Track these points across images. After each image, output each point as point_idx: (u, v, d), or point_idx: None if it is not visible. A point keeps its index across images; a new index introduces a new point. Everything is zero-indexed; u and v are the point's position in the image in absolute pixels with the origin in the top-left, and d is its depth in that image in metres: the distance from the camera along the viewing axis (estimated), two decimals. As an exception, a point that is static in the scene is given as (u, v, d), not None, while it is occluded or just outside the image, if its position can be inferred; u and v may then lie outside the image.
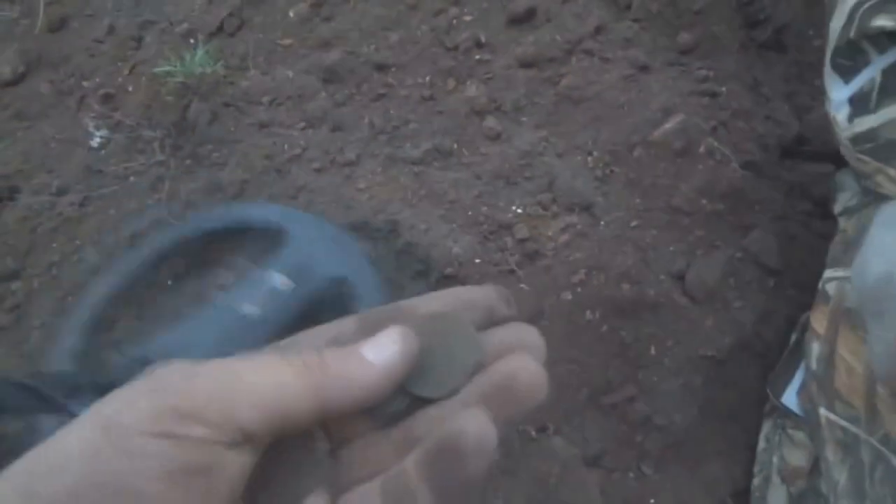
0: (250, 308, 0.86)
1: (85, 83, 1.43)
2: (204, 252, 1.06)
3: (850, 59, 0.86)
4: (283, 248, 0.95)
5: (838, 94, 0.87)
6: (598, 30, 1.28)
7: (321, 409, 0.29)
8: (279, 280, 0.89)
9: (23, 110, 1.40)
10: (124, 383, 0.70)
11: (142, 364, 0.79)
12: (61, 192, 1.20)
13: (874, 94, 0.83)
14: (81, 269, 1.08)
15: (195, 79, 1.32)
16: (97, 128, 1.32)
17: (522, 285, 0.96)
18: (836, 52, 0.85)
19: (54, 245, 1.11)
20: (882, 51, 0.83)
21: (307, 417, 0.29)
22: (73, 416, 0.62)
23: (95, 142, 1.30)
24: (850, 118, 0.85)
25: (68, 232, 1.13)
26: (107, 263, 1.06)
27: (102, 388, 0.72)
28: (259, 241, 1.01)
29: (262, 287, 0.89)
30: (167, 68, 1.33)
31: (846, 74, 0.87)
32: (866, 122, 0.84)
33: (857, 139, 0.85)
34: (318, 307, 0.91)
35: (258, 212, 1.03)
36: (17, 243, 1.12)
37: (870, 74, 0.84)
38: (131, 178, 1.21)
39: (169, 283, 1.06)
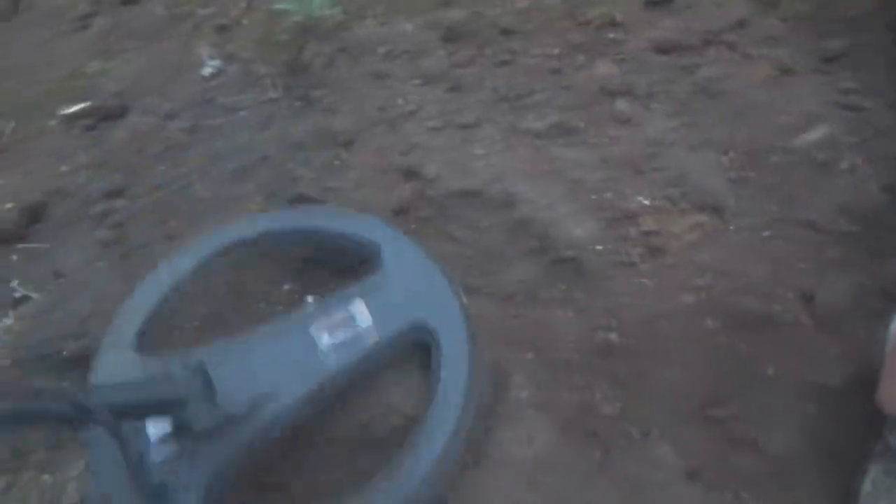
0: (325, 339, 0.78)
1: (200, 11, 1.41)
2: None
3: None
4: (372, 274, 0.85)
5: None
6: (741, 23, 1.21)
7: None
8: (361, 313, 0.80)
9: (137, 31, 1.39)
10: (180, 398, 0.66)
11: (199, 374, 0.72)
12: (170, 116, 1.18)
13: None
14: (185, 196, 1.06)
15: (313, 21, 1.29)
16: (210, 57, 1.30)
17: (644, 280, 0.91)
18: None
19: (160, 168, 1.09)
20: None
21: None
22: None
23: (207, 71, 1.28)
24: None
25: (175, 157, 1.11)
26: (179, 246, 0.98)
27: (156, 407, 0.69)
28: (349, 255, 0.92)
29: (341, 319, 0.80)
30: (286, 6, 1.30)
31: None
32: None
33: None
34: (395, 350, 0.82)
35: (354, 223, 0.92)
36: (124, 162, 1.10)
37: None
38: (241, 112, 1.18)
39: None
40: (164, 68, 1.27)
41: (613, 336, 0.90)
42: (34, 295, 1.00)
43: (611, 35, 1.21)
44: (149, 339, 0.84)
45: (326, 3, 1.31)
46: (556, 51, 1.20)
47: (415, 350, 0.81)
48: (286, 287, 0.96)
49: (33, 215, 1.08)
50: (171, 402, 0.69)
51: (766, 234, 0.97)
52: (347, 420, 0.79)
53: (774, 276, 0.94)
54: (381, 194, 1.01)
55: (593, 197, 0.98)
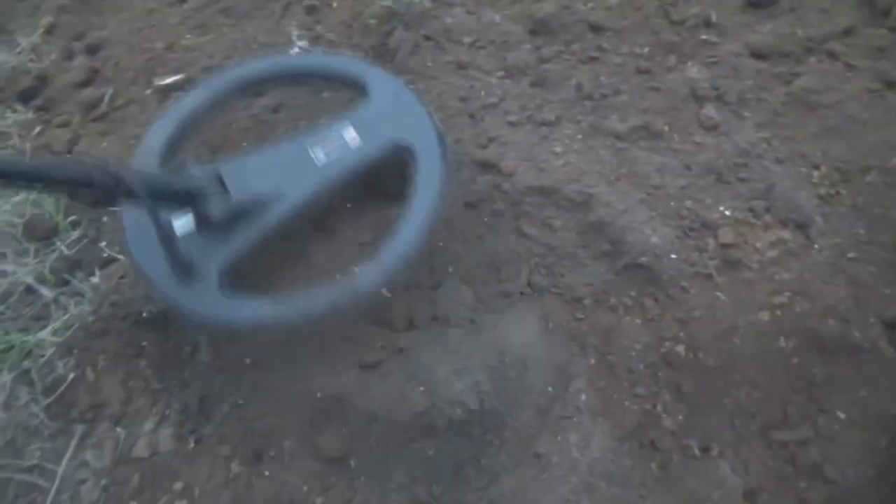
0: (318, 154, 0.94)
1: (293, -10, 1.43)
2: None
3: None
4: (359, 104, 1.00)
5: None
6: (847, 32, 1.15)
7: None
8: (350, 135, 0.95)
9: (230, 8, 1.43)
10: (198, 191, 0.81)
11: (214, 177, 0.89)
12: (257, 93, 1.21)
13: None
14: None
15: (402, 6, 1.29)
16: (299, 38, 1.32)
17: (719, 293, 0.88)
18: None
19: (244, 144, 1.12)
20: None
21: None
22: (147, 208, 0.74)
23: (295, 51, 1.30)
24: None
25: (259, 133, 1.14)
26: (198, 81, 1.14)
27: (178, 195, 0.82)
28: (339, 90, 1.11)
29: (333, 137, 0.96)
30: (375, -10, 1.31)
31: None
32: None
33: None
34: (379, 166, 0.96)
35: (343, 63, 1.09)
36: (212, 135, 1.14)
37: None
38: (324, 94, 1.20)
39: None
40: (253, 46, 1.30)
41: (681, 348, 0.88)
42: (120, 257, 1.05)
43: (704, 36, 1.17)
44: (172, 156, 1.02)
45: (416, -11, 1.31)
46: (646, 50, 1.17)
47: (396, 166, 0.97)
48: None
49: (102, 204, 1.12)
50: (192, 193, 0.85)
51: (851, 255, 0.93)
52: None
53: (856, 301, 0.90)
54: (455, 186, 1.01)
55: (672, 204, 0.96)
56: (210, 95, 1.05)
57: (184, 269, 0.85)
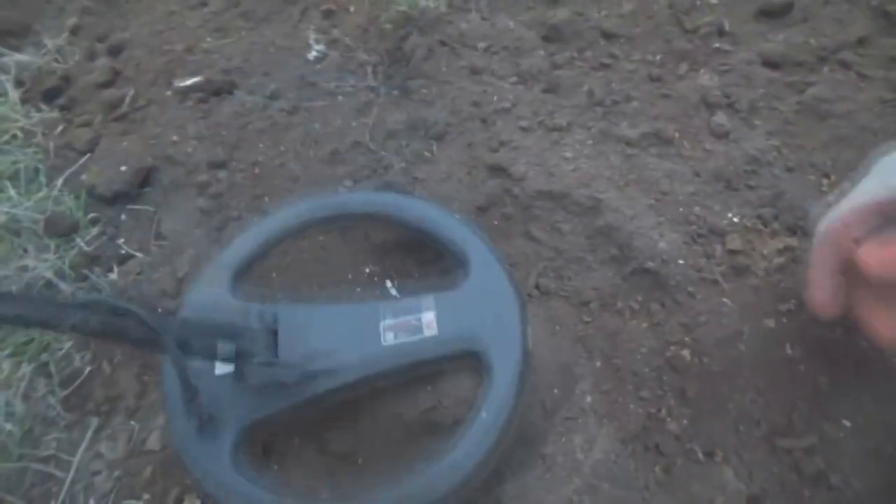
0: (390, 337, 0.82)
1: (311, -5, 1.46)
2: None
3: None
4: (451, 289, 0.87)
5: None
6: (861, 41, 1.15)
7: None
8: (429, 324, 0.83)
9: (249, 12, 1.45)
10: (248, 351, 0.75)
11: (268, 329, 0.81)
12: (274, 96, 1.23)
13: None
14: (281, 173, 1.11)
15: (417, 11, 1.31)
16: (316, 42, 1.34)
17: (725, 299, 0.89)
18: None
19: (260, 145, 1.15)
20: None
21: None
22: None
23: (312, 55, 1.32)
24: None
25: (275, 136, 1.16)
26: (270, 209, 1.04)
27: (221, 354, 0.75)
28: (434, 253, 0.97)
29: (409, 317, 0.84)
30: (393, -5, 1.33)
31: None
32: None
33: None
34: (447, 367, 0.84)
35: (450, 226, 0.92)
36: (229, 136, 1.16)
37: None
38: (340, 97, 1.22)
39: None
40: (271, 50, 1.32)
41: (687, 353, 0.89)
42: (137, 254, 1.07)
43: (717, 44, 1.18)
44: (241, 283, 0.91)
45: (432, -5, 1.33)
46: (658, 57, 1.18)
47: (460, 366, 0.84)
48: (367, 269, 1.00)
49: (144, 179, 1.15)
50: (234, 353, 0.76)
51: (861, 264, 0.93)
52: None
53: (865, 310, 0.90)
54: (466, 189, 1.02)
55: (681, 210, 0.97)
56: (294, 223, 0.95)
57: (201, 422, 0.78)
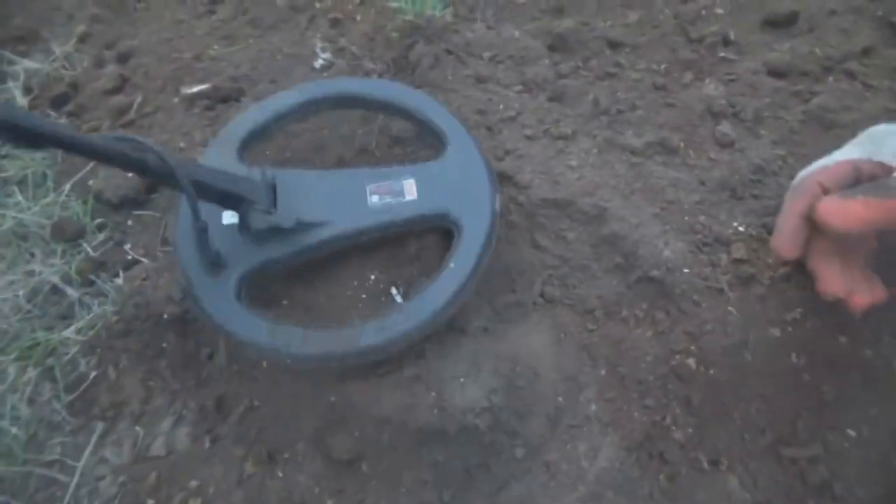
0: (373, 196, 0.95)
1: (318, 3, 1.47)
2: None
3: None
4: (430, 161, 1.00)
5: None
6: (866, 51, 1.16)
7: None
8: (409, 190, 0.95)
9: (257, 19, 1.46)
10: (248, 198, 0.85)
11: (269, 187, 0.92)
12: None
13: None
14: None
15: (423, 20, 1.31)
16: (323, 50, 1.35)
17: (730, 308, 0.89)
18: None
19: (267, 152, 1.15)
20: None
21: None
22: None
23: (318, 63, 1.33)
24: None
25: (281, 144, 1.16)
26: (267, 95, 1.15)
27: (227, 198, 0.85)
28: (416, 131, 1.11)
29: (392, 184, 0.96)
30: (398, 4, 1.33)
31: None
32: None
33: None
34: (425, 228, 0.97)
35: (431, 108, 1.06)
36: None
37: None
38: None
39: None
40: (278, 57, 1.33)
41: (692, 361, 0.89)
42: (143, 259, 1.08)
43: (722, 54, 1.18)
44: (246, 153, 1.04)
45: (437, 4, 1.34)
46: (663, 67, 1.18)
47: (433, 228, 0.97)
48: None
49: (151, 186, 1.16)
50: (237, 197, 0.88)
51: (866, 274, 0.93)
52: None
53: (868, 318, 0.90)
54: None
55: (686, 219, 0.97)
56: (301, 100, 1.08)
57: (211, 261, 0.89)
